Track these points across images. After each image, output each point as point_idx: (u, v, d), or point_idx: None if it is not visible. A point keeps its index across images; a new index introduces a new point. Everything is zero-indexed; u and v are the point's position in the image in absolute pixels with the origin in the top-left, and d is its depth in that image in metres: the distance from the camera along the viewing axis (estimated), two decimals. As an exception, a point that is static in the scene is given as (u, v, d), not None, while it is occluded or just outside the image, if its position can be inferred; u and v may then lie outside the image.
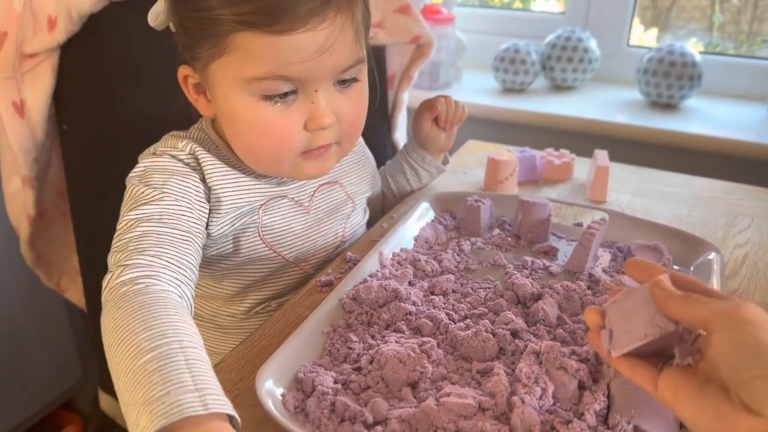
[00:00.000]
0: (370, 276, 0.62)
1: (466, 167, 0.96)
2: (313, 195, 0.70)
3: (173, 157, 0.60)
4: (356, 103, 0.62)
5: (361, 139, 0.81)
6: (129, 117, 0.86)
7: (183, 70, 0.61)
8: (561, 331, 0.54)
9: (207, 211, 0.61)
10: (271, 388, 0.47)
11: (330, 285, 0.64)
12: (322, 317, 0.55)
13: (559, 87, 1.35)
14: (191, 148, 0.61)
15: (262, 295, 0.70)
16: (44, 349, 1.32)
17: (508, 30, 1.44)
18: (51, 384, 1.36)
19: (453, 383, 0.48)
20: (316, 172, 0.64)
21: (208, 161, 0.61)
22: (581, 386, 0.47)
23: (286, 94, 0.57)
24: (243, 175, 0.64)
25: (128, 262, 0.50)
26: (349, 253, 0.70)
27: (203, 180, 0.61)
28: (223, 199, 0.61)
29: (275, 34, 0.53)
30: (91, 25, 0.82)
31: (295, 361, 0.50)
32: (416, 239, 0.72)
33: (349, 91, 0.60)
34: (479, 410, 0.45)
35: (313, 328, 0.54)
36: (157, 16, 0.59)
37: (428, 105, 0.81)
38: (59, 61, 0.85)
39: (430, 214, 0.77)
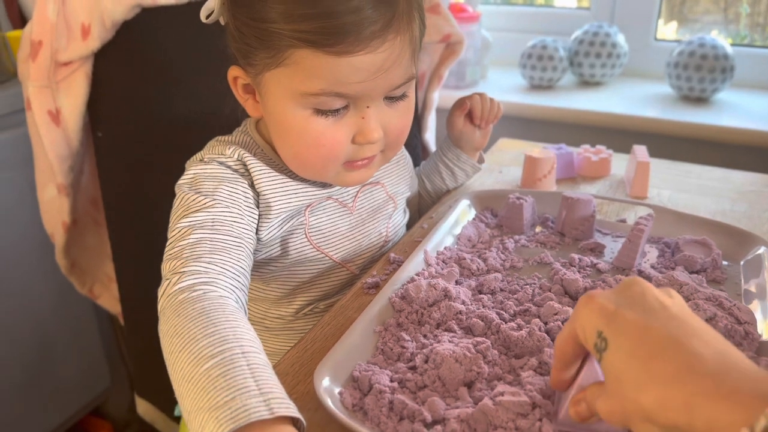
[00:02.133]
0: (417, 275, 0.61)
1: (501, 165, 0.95)
2: (356, 196, 0.70)
3: (221, 164, 0.61)
4: (403, 116, 0.62)
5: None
6: (162, 123, 0.87)
7: (233, 71, 0.61)
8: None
9: (257, 217, 0.61)
10: (329, 387, 0.46)
11: (377, 287, 0.63)
12: (372, 316, 0.55)
13: (587, 83, 1.34)
14: (239, 154, 0.61)
15: (309, 296, 0.69)
16: (73, 356, 1.33)
17: (533, 27, 1.43)
18: (80, 391, 1.37)
19: (508, 383, 0.48)
20: (358, 181, 0.64)
21: (256, 166, 0.61)
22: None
23: (338, 110, 0.57)
24: (289, 179, 0.64)
25: (184, 269, 0.50)
26: (392, 254, 0.69)
27: (252, 186, 0.61)
28: (272, 203, 0.62)
29: (335, 55, 0.52)
30: (124, 32, 0.82)
31: (350, 360, 0.50)
32: (459, 238, 0.71)
33: (398, 105, 0.61)
34: (534, 407, 0.44)
35: (365, 328, 0.53)
36: (209, 11, 0.59)
37: (460, 102, 0.80)
38: (93, 69, 0.85)
39: (471, 213, 0.76)
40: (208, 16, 0.59)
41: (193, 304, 0.47)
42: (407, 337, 0.53)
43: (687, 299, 0.55)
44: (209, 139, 0.66)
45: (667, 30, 1.42)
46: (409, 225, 0.79)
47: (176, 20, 0.82)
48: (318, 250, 0.67)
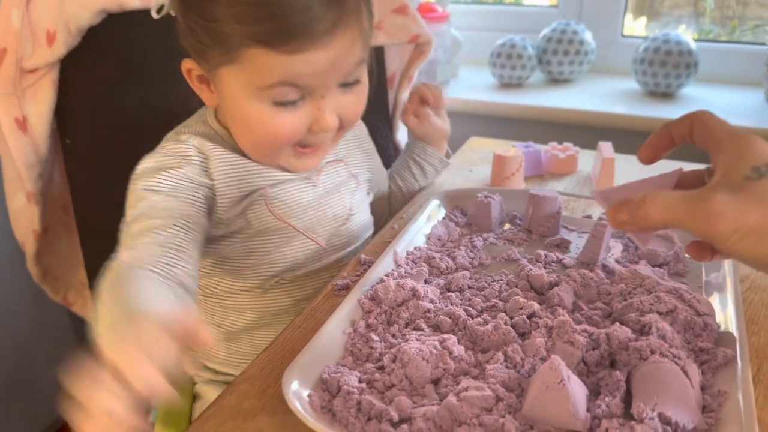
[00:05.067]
0: (386, 275, 0.62)
1: (471, 164, 0.96)
2: (320, 171, 0.73)
3: (171, 152, 0.63)
4: (358, 101, 0.65)
5: (365, 132, 0.83)
6: (132, 129, 0.86)
7: (187, 64, 0.63)
8: (578, 315, 0.55)
9: (206, 198, 0.63)
10: (297, 390, 0.47)
11: (347, 288, 0.64)
12: (341, 318, 0.55)
13: (556, 80, 1.36)
14: (197, 141, 0.64)
15: (274, 268, 0.70)
16: (51, 365, 1.31)
17: (502, 25, 1.45)
18: (59, 400, 1.36)
19: (474, 377, 0.49)
20: (308, 167, 0.69)
21: (214, 151, 0.64)
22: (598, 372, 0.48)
23: (294, 101, 0.60)
24: (250, 162, 0.67)
25: (121, 252, 0.55)
26: (363, 256, 0.70)
27: (208, 170, 0.64)
28: (231, 184, 0.65)
29: (288, 54, 0.55)
30: (91, 38, 0.82)
31: (319, 363, 0.50)
32: (429, 237, 0.72)
33: (352, 91, 0.63)
34: (498, 401, 0.45)
35: (334, 330, 0.54)
36: (159, 5, 0.61)
37: (411, 98, 0.85)
38: (59, 76, 0.85)
39: (441, 212, 0.77)
40: (159, 11, 0.61)
41: (112, 271, 0.53)
42: (376, 338, 0.54)
43: (649, 292, 0.57)
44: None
45: (637, 25, 1.45)
46: (381, 225, 0.80)
47: (143, 25, 0.82)
48: (280, 220, 0.68)
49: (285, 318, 0.72)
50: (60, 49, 0.81)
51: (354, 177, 0.77)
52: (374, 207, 0.86)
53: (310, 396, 0.47)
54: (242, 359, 0.74)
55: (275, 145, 0.63)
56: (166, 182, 0.61)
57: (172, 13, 0.62)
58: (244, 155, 0.66)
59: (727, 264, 0.62)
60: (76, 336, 1.37)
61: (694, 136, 0.40)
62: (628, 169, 0.91)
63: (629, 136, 1.14)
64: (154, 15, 0.62)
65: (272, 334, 0.59)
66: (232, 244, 0.69)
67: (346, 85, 0.62)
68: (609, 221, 0.40)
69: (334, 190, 0.74)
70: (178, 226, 0.58)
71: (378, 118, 1.02)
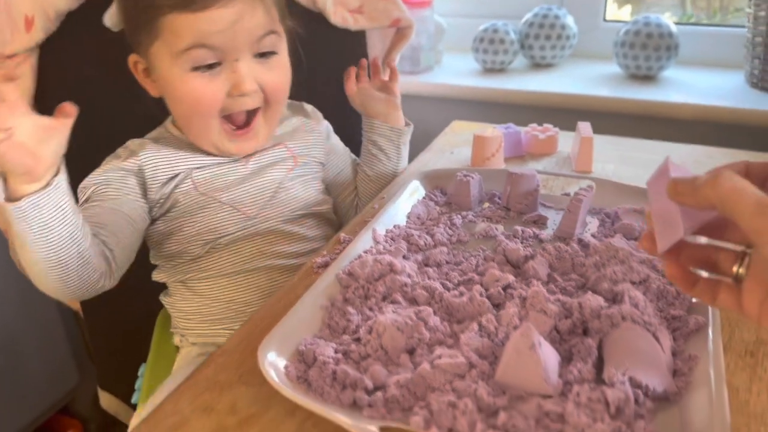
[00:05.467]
0: (365, 252, 0.63)
1: (453, 147, 0.97)
2: (252, 155, 0.77)
3: (114, 156, 0.73)
4: (277, 73, 0.72)
5: (321, 118, 0.87)
6: (113, 114, 0.86)
7: (132, 58, 0.72)
8: (552, 286, 0.56)
9: (139, 189, 0.72)
10: (273, 361, 0.47)
11: (326, 266, 0.65)
12: (319, 293, 0.56)
13: (538, 65, 1.36)
14: (133, 144, 0.74)
15: (207, 237, 0.74)
16: (39, 354, 1.31)
17: (485, 11, 1.45)
18: (48, 389, 1.35)
19: (449, 347, 0.49)
20: (242, 151, 0.75)
21: (148, 147, 0.73)
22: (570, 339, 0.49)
23: (211, 66, 0.67)
24: (183, 151, 0.74)
25: None
26: (342, 234, 0.70)
27: (137, 160, 0.71)
28: (159, 168, 0.72)
29: (194, 12, 0.64)
30: (70, 24, 0.82)
31: (296, 335, 0.51)
32: (409, 216, 0.72)
33: (269, 62, 0.70)
34: (471, 367, 0.46)
35: (311, 303, 0.55)
36: (111, 17, 0.72)
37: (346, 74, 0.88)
38: (39, 61, 0.84)
39: (421, 192, 0.78)
40: (112, 21, 0.72)
41: None
42: (353, 311, 0.54)
43: (622, 262, 0.58)
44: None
45: (622, 13, 1.45)
46: (347, 206, 0.81)
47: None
48: (204, 195, 0.73)
49: (240, 278, 0.76)
50: (38, 35, 0.81)
51: (293, 157, 0.80)
52: (336, 186, 0.88)
53: (286, 367, 0.48)
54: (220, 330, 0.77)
55: (201, 113, 0.69)
56: (100, 176, 0.70)
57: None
58: (186, 145, 0.74)
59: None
60: (65, 328, 1.37)
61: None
62: (608, 149, 0.92)
63: (611, 118, 1.15)
64: (109, 26, 0.73)
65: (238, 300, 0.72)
66: (166, 221, 0.75)
67: (261, 56, 0.69)
68: (669, 188, 0.38)
69: (266, 168, 0.78)
70: (115, 211, 0.68)
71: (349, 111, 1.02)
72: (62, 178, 0.58)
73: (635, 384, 0.44)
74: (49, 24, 0.81)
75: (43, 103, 0.88)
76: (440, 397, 0.44)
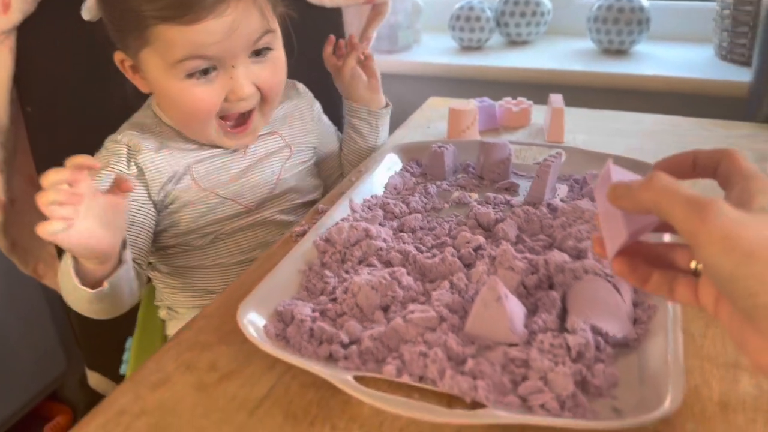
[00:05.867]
0: (342, 220, 0.65)
1: (429, 122, 0.99)
2: (249, 145, 0.77)
3: (110, 151, 0.70)
4: (273, 71, 0.70)
5: (312, 99, 0.87)
6: (94, 96, 0.87)
7: (118, 55, 0.70)
8: (520, 246, 0.58)
9: (142, 189, 0.70)
10: (253, 320, 0.49)
11: (304, 234, 0.66)
12: (297, 258, 0.58)
13: (514, 42, 1.38)
14: (129, 138, 0.71)
15: (208, 229, 0.75)
16: (27, 340, 1.32)
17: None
18: (36, 376, 1.36)
19: (421, 304, 0.52)
20: (240, 145, 0.74)
21: (144, 144, 0.70)
22: (536, 293, 0.51)
23: (206, 71, 0.65)
24: (179, 145, 0.73)
25: None
26: (320, 205, 0.72)
27: (137, 163, 0.70)
28: (159, 171, 0.71)
29: (187, 24, 0.61)
30: (48, 5, 0.82)
31: (274, 297, 0.53)
32: (385, 187, 0.74)
33: (265, 60, 0.69)
34: (441, 321, 0.48)
35: (290, 268, 0.57)
36: (90, 11, 0.68)
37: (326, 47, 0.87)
38: (17, 43, 0.85)
39: (398, 164, 0.80)
40: (90, 15, 0.69)
41: None
42: (330, 274, 0.56)
43: (587, 222, 0.60)
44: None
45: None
46: (335, 182, 0.83)
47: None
48: (203, 190, 0.73)
49: (240, 268, 0.77)
50: (16, 16, 0.82)
51: (288, 147, 0.81)
52: (326, 167, 0.90)
53: (265, 326, 0.50)
54: None
55: (198, 118, 0.68)
56: (106, 181, 0.66)
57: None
58: (176, 138, 0.73)
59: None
60: (51, 313, 1.38)
61: (719, 170, 0.37)
62: (579, 121, 0.95)
63: (584, 92, 1.17)
64: (87, 19, 0.69)
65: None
66: (165, 216, 0.74)
67: (257, 54, 0.68)
68: (608, 193, 0.37)
69: (264, 160, 0.78)
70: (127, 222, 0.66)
71: (334, 90, 1.03)
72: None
73: (596, 331, 0.47)
74: (26, 5, 0.81)
75: (24, 85, 0.88)
76: (412, 348, 0.46)
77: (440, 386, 0.44)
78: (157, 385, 0.47)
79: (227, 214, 0.75)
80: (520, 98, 0.96)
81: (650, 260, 0.39)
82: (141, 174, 0.70)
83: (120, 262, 0.59)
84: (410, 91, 1.28)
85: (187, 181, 0.72)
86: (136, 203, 0.69)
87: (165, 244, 0.76)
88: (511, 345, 0.47)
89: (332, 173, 0.92)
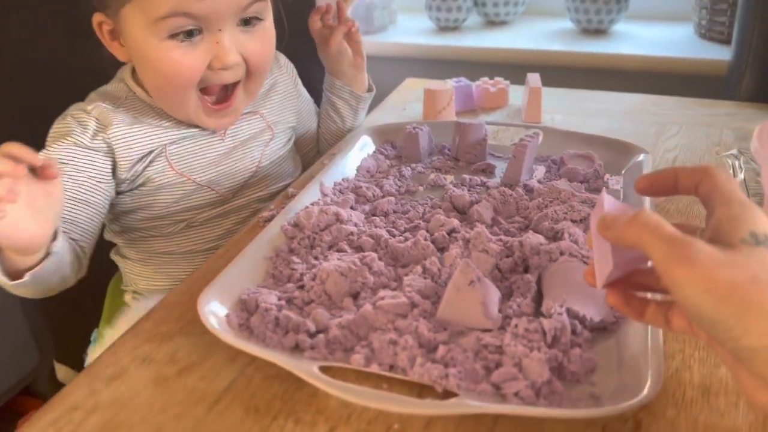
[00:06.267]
0: (312, 204, 0.62)
1: (405, 103, 0.96)
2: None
3: (74, 121, 0.64)
4: (261, 42, 0.65)
5: (293, 72, 0.83)
6: (56, 78, 0.83)
7: (97, 17, 0.64)
8: (496, 229, 0.56)
9: (105, 166, 0.65)
10: (214, 309, 0.47)
11: (272, 220, 0.64)
12: (263, 244, 0.55)
13: (492, 22, 1.36)
14: (99, 111, 0.65)
15: (180, 216, 0.71)
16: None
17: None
18: (8, 371, 1.33)
19: (393, 290, 0.50)
20: (221, 126, 0.69)
21: (116, 117, 0.65)
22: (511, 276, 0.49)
23: (191, 33, 0.60)
24: (153, 121, 0.67)
25: None
26: (290, 189, 0.70)
27: (105, 137, 0.64)
28: (131, 147, 0.66)
29: None
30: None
31: (238, 285, 0.50)
32: (358, 170, 0.72)
33: (254, 30, 0.64)
34: (413, 307, 0.46)
35: (255, 254, 0.54)
36: None
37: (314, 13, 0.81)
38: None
39: (371, 147, 0.77)
40: None
41: None
42: (297, 260, 0.54)
43: (564, 203, 0.58)
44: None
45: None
46: (310, 163, 0.80)
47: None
48: (179, 175, 0.69)
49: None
50: None
51: (270, 128, 0.77)
52: (304, 145, 0.86)
53: (227, 315, 0.47)
54: None
55: (178, 85, 0.63)
56: (61, 150, 0.62)
57: None
58: (152, 114, 0.68)
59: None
60: (22, 305, 1.34)
61: (700, 188, 0.36)
62: (558, 101, 0.93)
63: (563, 72, 1.15)
64: None
65: None
66: (134, 196, 0.70)
67: (246, 23, 0.63)
68: (598, 223, 0.37)
69: (244, 144, 0.74)
70: (73, 199, 0.62)
71: (311, 59, 1.00)
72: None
73: (572, 315, 0.45)
74: None
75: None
76: (382, 335, 0.44)
77: (410, 375, 0.42)
78: (113, 378, 0.44)
79: (202, 202, 0.72)
80: (497, 78, 0.94)
81: (645, 286, 0.39)
82: (109, 150, 0.65)
83: (47, 253, 0.55)
84: (386, 72, 1.25)
85: (161, 163, 0.68)
86: (90, 181, 0.63)
87: (133, 227, 0.73)
88: (485, 330, 0.45)
89: (310, 150, 0.88)
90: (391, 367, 0.43)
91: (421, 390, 0.41)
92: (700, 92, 0.97)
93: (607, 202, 0.38)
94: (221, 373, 0.44)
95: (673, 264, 0.30)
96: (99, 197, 0.64)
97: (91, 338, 0.82)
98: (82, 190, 0.63)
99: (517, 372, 0.41)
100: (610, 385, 0.41)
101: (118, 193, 0.69)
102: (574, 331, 0.44)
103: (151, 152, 0.67)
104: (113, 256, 0.79)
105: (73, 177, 0.62)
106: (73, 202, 0.62)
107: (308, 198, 0.63)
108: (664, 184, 0.39)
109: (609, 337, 0.45)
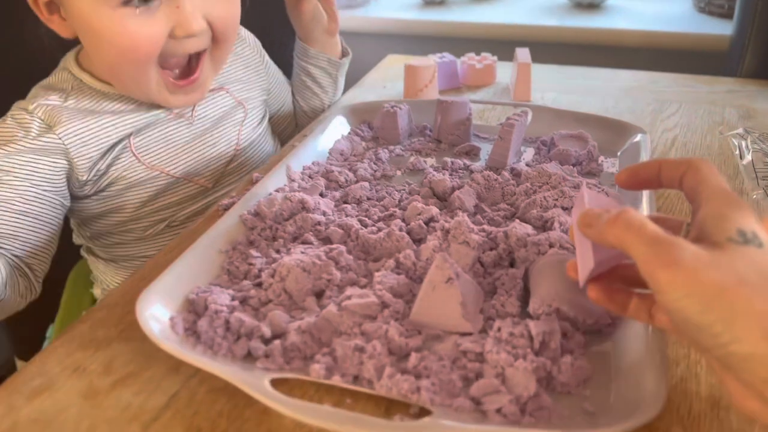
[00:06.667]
0: (276, 191, 0.56)
1: (386, 81, 0.90)
2: (194, 107, 0.65)
3: (17, 125, 0.57)
4: (227, 4, 0.59)
5: (256, 44, 0.76)
6: (13, 47, 0.76)
7: None
8: (479, 217, 0.50)
9: (52, 170, 0.57)
10: (156, 313, 0.41)
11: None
12: (218, 236, 0.50)
13: (481, -4, 1.29)
14: (43, 111, 0.57)
15: (158, 216, 0.65)
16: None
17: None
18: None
19: (362, 287, 0.44)
20: (185, 103, 0.62)
21: (63, 115, 0.58)
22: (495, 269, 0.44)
23: (147, 1, 0.53)
24: (111, 108, 0.60)
25: None
26: (256, 174, 0.64)
27: (55, 139, 0.57)
28: (87, 146, 0.58)
29: None
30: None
31: (186, 283, 0.44)
32: (330, 152, 0.66)
33: None
34: (384, 307, 0.41)
35: (208, 248, 0.48)
36: None
37: None
38: None
39: (346, 128, 0.71)
40: None
41: None
42: (256, 254, 0.48)
43: (553, 187, 0.53)
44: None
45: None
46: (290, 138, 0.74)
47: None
48: (151, 169, 0.62)
49: None
50: None
51: (241, 105, 0.70)
52: (279, 123, 0.79)
53: (172, 318, 0.41)
54: None
55: (136, 60, 0.55)
56: (3, 158, 0.55)
57: None
58: (105, 101, 0.60)
59: (644, 159, 0.59)
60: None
61: (684, 182, 0.34)
62: (549, 78, 0.87)
63: (555, 48, 1.09)
64: None
65: None
66: (102, 199, 0.62)
67: None
68: (578, 220, 0.35)
69: (216, 125, 0.67)
70: (11, 211, 0.54)
71: (282, 28, 0.92)
72: None
73: (563, 316, 0.40)
74: None
75: None
76: (346, 341, 0.38)
77: (377, 388, 0.36)
78: (37, 392, 0.39)
79: (181, 196, 0.65)
80: (484, 54, 0.87)
81: (630, 279, 0.37)
82: (60, 152, 0.57)
83: None
84: (368, 50, 1.18)
85: (127, 158, 0.61)
86: (33, 189, 0.55)
87: (105, 231, 0.66)
88: (464, 334, 0.40)
89: (287, 127, 0.82)
90: (356, 379, 0.37)
91: (390, 406, 0.36)
92: (700, 68, 0.91)
93: (588, 197, 0.36)
94: (161, 385, 0.39)
95: (657, 267, 0.29)
96: (44, 207, 0.56)
97: (47, 334, 0.76)
98: (21, 201, 0.55)
99: (500, 384, 0.35)
100: (605, 399, 0.36)
101: (81, 197, 0.62)
102: (564, 335, 0.39)
103: (113, 147, 0.60)
104: (84, 253, 0.72)
105: (13, 186, 0.54)
106: (9, 214, 0.54)
107: (273, 183, 0.57)
108: (646, 177, 0.37)
109: (604, 341, 0.40)
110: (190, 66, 0.61)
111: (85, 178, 0.59)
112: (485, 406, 0.35)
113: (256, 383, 0.35)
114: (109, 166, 0.60)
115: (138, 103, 0.62)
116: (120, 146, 0.60)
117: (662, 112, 0.76)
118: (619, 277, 0.37)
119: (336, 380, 0.37)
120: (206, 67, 0.61)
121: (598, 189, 0.53)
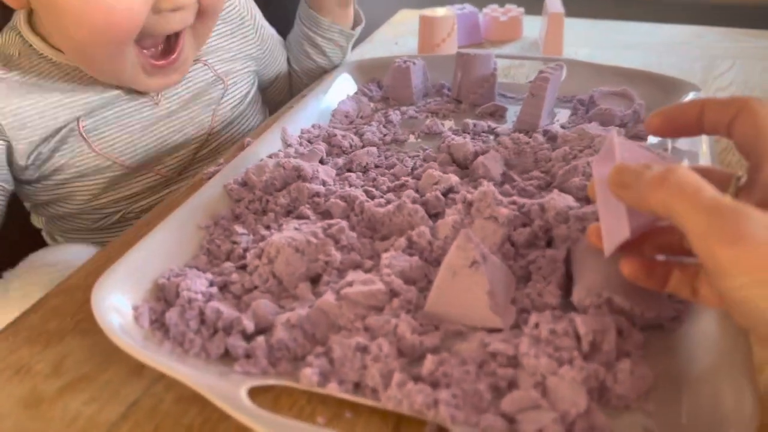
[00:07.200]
0: (269, 157, 0.49)
1: (398, 37, 0.81)
2: None
3: None
4: None
5: (248, 2, 0.66)
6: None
7: None
8: (507, 187, 0.42)
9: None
10: (117, 303, 0.34)
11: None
12: (198, 208, 0.42)
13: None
14: None
15: (110, 208, 0.58)
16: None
17: None
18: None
19: (367, 271, 0.36)
20: (164, 86, 0.55)
21: (3, 90, 0.51)
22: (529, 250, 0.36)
23: None
24: (61, 84, 0.53)
25: None
26: (248, 139, 0.56)
27: None
28: (28, 125, 0.51)
29: None
30: None
31: (157, 265, 0.37)
32: (334, 114, 0.58)
33: None
34: (393, 296, 0.33)
35: (185, 222, 0.41)
36: None
37: None
38: None
39: (353, 87, 0.63)
40: None
41: None
42: (242, 230, 0.41)
43: (597, 152, 0.44)
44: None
45: None
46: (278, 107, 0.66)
47: None
48: (103, 156, 0.54)
49: None
50: None
51: (221, 79, 0.61)
52: (272, 91, 0.71)
53: (136, 308, 0.34)
54: None
55: (111, 40, 0.47)
56: None
57: None
58: (60, 72, 0.53)
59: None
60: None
61: (734, 129, 0.29)
62: (581, 33, 0.78)
63: (589, 1, 0.99)
64: None
65: None
66: (47, 188, 0.55)
67: None
68: (611, 177, 0.28)
69: (187, 106, 0.59)
70: None
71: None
72: None
73: (616, 309, 0.32)
74: None
75: None
76: (346, 339, 0.31)
77: (383, 400, 0.29)
78: (-33, 400, 0.32)
79: (138, 188, 0.57)
80: (508, 5, 0.78)
81: (665, 246, 0.31)
82: None
83: None
84: (377, 3, 1.09)
85: (75, 143, 0.54)
86: None
87: (59, 216, 0.59)
88: (492, 331, 0.32)
89: (273, 92, 0.73)
90: (357, 387, 0.30)
91: (399, 422, 0.29)
92: (749, 22, 0.81)
93: (620, 147, 0.30)
94: (120, 391, 0.32)
95: (718, 243, 0.23)
96: None
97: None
98: None
99: (540, 397, 0.28)
100: (672, 415, 0.28)
101: (24, 182, 0.55)
102: (620, 333, 0.31)
103: (59, 129, 0.53)
104: (46, 237, 0.65)
105: None
106: None
107: (266, 149, 0.50)
108: (685, 122, 0.31)
109: (668, 340, 0.32)
110: (169, 43, 0.53)
111: (23, 163, 0.53)
112: (521, 425, 0.27)
113: (232, 393, 0.28)
114: (53, 150, 0.53)
115: (94, 81, 0.54)
116: (67, 129, 0.53)
117: (713, 70, 0.67)
118: (652, 244, 0.31)
119: (332, 389, 0.29)
120: (188, 44, 0.53)
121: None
